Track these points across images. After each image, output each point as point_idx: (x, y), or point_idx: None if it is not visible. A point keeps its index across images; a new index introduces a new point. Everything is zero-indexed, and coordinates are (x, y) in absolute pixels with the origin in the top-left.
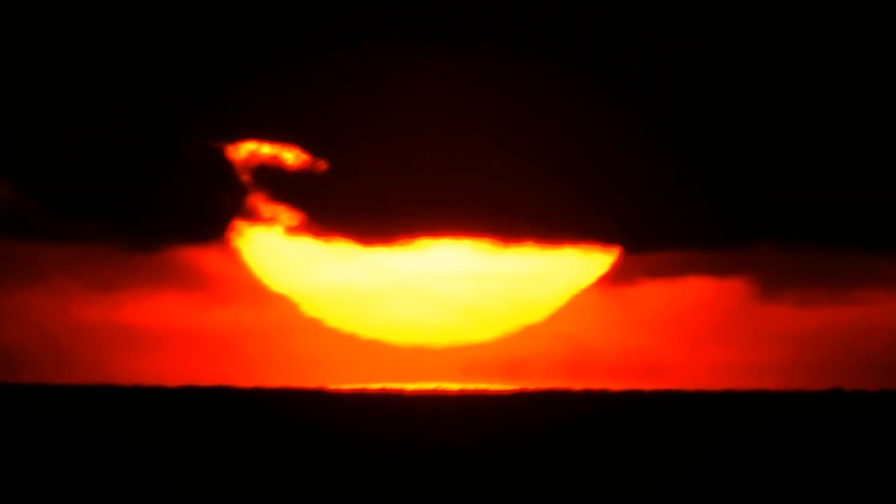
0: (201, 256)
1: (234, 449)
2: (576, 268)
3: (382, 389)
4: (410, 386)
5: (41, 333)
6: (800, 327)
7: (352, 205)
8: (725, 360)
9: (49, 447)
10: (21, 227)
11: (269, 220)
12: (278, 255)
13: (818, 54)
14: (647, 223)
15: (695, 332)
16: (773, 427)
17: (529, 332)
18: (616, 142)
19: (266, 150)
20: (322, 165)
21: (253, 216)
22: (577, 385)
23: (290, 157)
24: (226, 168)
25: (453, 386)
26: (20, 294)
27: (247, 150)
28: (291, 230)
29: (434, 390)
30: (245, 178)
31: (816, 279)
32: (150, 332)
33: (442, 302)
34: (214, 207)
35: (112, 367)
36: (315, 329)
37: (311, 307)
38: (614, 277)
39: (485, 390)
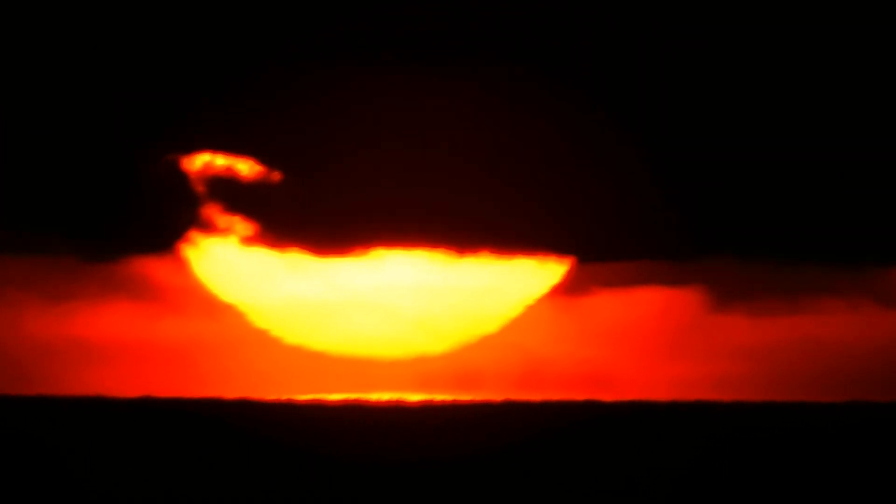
0: (154, 267)
1: (191, 460)
2: (529, 278)
3: (340, 401)
4: (365, 396)
5: None
6: (755, 339)
7: (306, 215)
8: (680, 372)
9: (1, 459)
10: None
11: (224, 231)
12: (232, 265)
13: (774, 61)
14: (601, 233)
15: (649, 343)
16: (729, 438)
17: (483, 343)
18: (571, 151)
19: (220, 160)
20: (276, 176)
21: (207, 227)
22: (532, 396)
23: (244, 167)
24: (179, 179)
25: (409, 397)
26: None
27: (201, 161)
28: (246, 241)
29: (389, 401)
30: (199, 188)
31: (772, 290)
32: (103, 343)
33: (395, 314)
34: (167, 218)
35: (65, 379)
36: (269, 341)
37: (265, 319)
38: (568, 288)
39: (441, 401)
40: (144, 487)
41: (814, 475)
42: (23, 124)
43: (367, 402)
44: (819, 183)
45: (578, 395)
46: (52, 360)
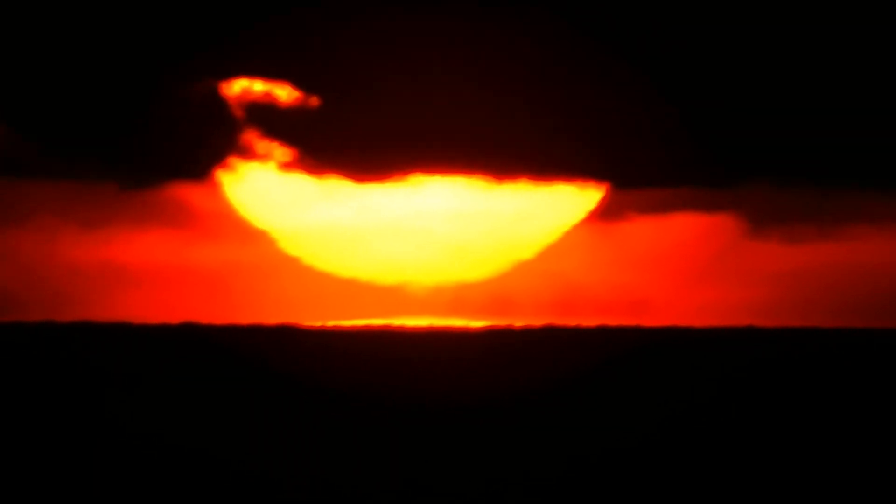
0: (192, 194)
1: (223, 387)
2: (565, 205)
3: (369, 326)
4: (401, 322)
5: (30, 272)
6: (788, 264)
7: (344, 141)
8: (714, 297)
9: (39, 387)
10: (8, 164)
11: (262, 157)
12: (269, 192)
13: None
14: (637, 160)
15: (683, 269)
16: (761, 364)
17: (519, 269)
18: (607, 79)
19: (258, 86)
20: (314, 102)
21: (245, 153)
22: (568, 322)
23: (283, 93)
24: (218, 105)
25: (443, 322)
26: (9, 233)
27: (239, 87)
28: (284, 167)
29: (424, 327)
30: (237, 114)
31: (805, 216)
32: (139, 269)
33: (433, 239)
34: (205, 144)
35: (100, 305)
36: (305, 267)
37: (301, 245)
38: (604, 214)
39: (477, 328)
40: (176, 413)
41: (844, 400)
42: (64, 50)
43: (402, 328)
44: (855, 109)
45: (614, 321)
46: (89, 286)
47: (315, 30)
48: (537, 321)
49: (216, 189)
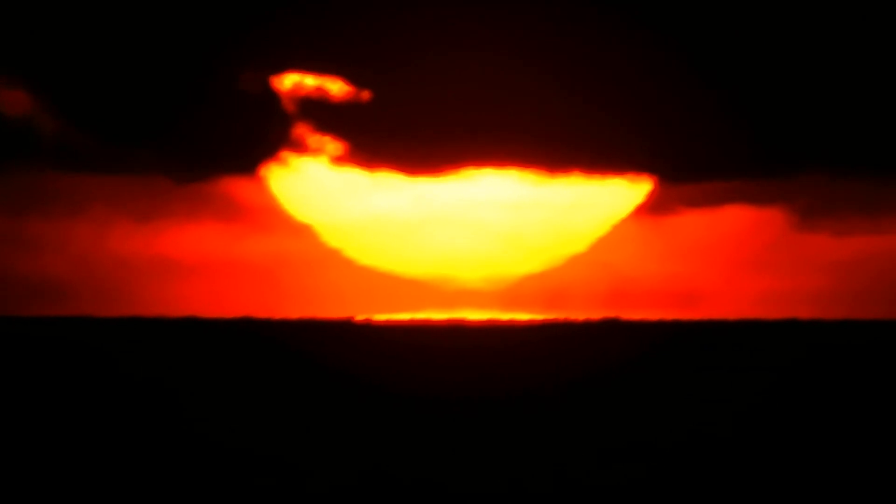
0: (243, 187)
1: (266, 380)
2: (618, 197)
3: (429, 320)
4: (452, 315)
5: (82, 264)
6: (839, 256)
7: (397, 135)
8: (765, 289)
9: (86, 378)
10: (61, 157)
11: (314, 151)
12: (322, 186)
13: None
14: (689, 153)
15: (734, 260)
16: (813, 355)
17: (572, 262)
18: (659, 73)
19: (310, 81)
20: (366, 95)
21: (297, 147)
22: (620, 314)
23: (335, 87)
24: (270, 99)
25: (497, 315)
26: (61, 225)
27: (291, 82)
28: (336, 160)
29: (479, 320)
30: (289, 109)
31: (856, 208)
32: (191, 262)
33: (485, 232)
34: (257, 139)
35: (150, 299)
36: (357, 260)
37: (354, 238)
38: (655, 207)
39: (529, 321)
40: (219, 404)
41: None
42: (118, 45)
43: (455, 321)
44: None
45: (666, 314)
46: (139, 279)
47: (367, 23)
48: (590, 313)
49: (267, 183)
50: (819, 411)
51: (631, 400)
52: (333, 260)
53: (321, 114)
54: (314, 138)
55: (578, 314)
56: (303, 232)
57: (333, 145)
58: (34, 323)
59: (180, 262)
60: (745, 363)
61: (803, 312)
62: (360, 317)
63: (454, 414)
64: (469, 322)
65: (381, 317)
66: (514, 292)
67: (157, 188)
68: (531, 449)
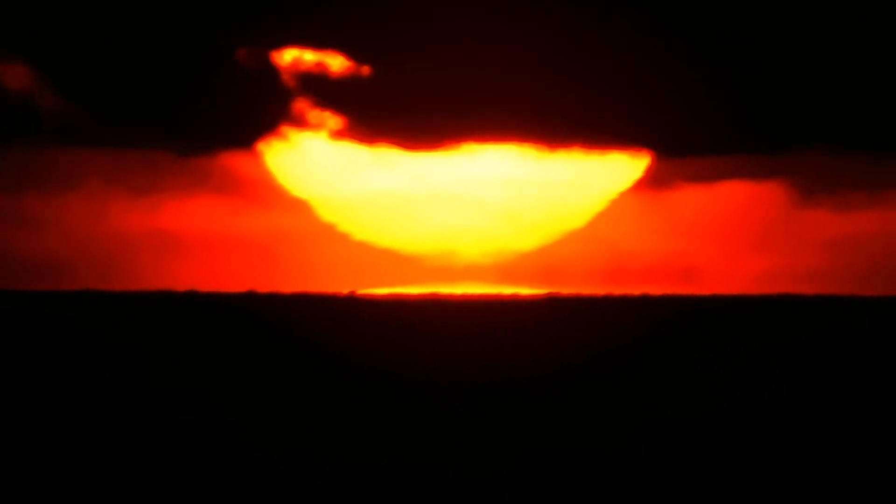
0: (243, 162)
1: (266, 357)
2: (616, 173)
3: (426, 294)
4: (449, 290)
5: (80, 239)
6: (839, 232)
7: (396, 110)
8: (764, 265)
9: (85, 352)
10: (58, 131)
11: (314, 126)
12: (321, 161)
13: None
14: (687, 128)
15: (733, 236)
16: (811, 332)
17: (570, 237)
18: (658, 48)
19: (309, 56)
20: (366, 71)
21: (297, 122)
22: (618, 290)
23: (334, 63)
24: (270, 74)
25: (495, 290)
26: (58, 200)
27: (291, 57)
28: (335, 135)
29: (473, 295)
30: (289, 84)
31: (855, 184)
32: (189, 237)
33: (483, 207)
34: (257, 113)
35: (149, 273)
36: (355, 235)
37: (353, 214)
38: (654, 182)
39: (527, 295)
40: (218, 379)
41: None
42: (116, 20)
43: (451, 296)
44: None
45: (665, 290)
46: (138, 254)
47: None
48: (588, 289)
49: (267, 158)
50: (818, 389)
51: (630, 376)
52: (332, 235)
53: (321, 89)
54: (314, 113)
55: (577, 290)
56: (302, 207)
57: (333, 120)
58: (34, 298)
59: (180, 236)
60: (743, 339)
61: (802, 289)
62: (359, 291)
63: (453, 391)
64: (468, 297)
65: (380, 291)
66: (512, 268)
67: (155, 162)
68: (532, 428)
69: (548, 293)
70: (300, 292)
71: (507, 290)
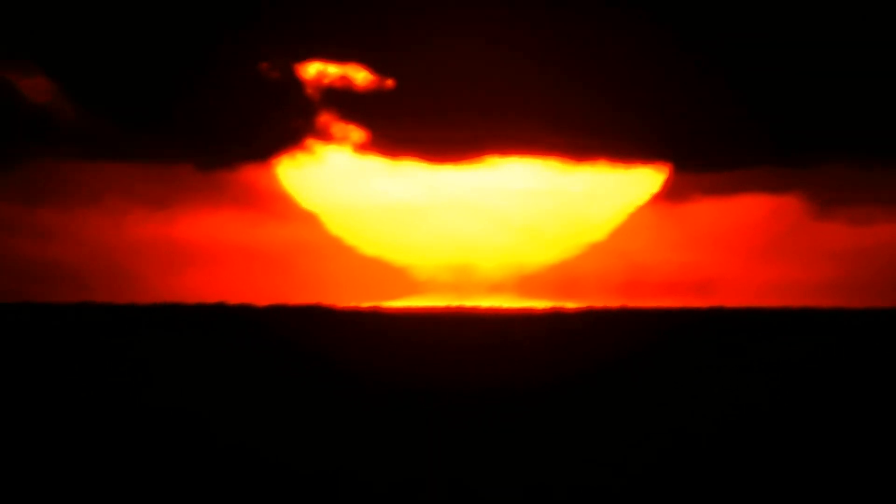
0: (263, 175)
1: (276, 369)
2: (633, 186)
3: (442, 307)
4: (468, 303)
5: (98, 252)
6: (856, 245)
7: (419, 123)
8: (781, 278)
9: (101, 364)
10: (79, 146)
11: (337, 139)
12: (343, 173)
13: None
14: (706, 142)
15: (751, 249)
16: (828, 345)
17: (588, 250)
18: (677, 61)
19: (333, 69)
20: (389, 84)
21: (320, 135)
22: (636, 303)
23: (357, 76)
24: (293, 87)
25: (513, 303)
26: (76, 213)
27: (314, 70)
28: (358, 148)
29: (492, 308)
30: (312, 97)
31: (873, 197)
32: (207, 251)
33: (504, 220)
34: (279, 127)
35: (163, 285)
36: (369, 248)
37: (373, 226)
38: (672, 195)
39: (544, 309)
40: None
41: None
42: (141, 30)
43: (470, 309)
44: None
45: (683, 303)
46: (154, 266)
47: (390, 12)
48: (606, 302)
49: (289, 172)
50: (834, 401)
51: (646, 389)
52: (350, 249)
53: (343, 102)
54: (337, 126)
55: (595, 302)
56: (321, 220)
57: (356, 133)
58: (52, 310)
59: (198, 250)
60: (760, 352)
61: (819, 301)
62: (378, 304)
63: (467, 404)
64: (487, 310)
65: (398, 304)
66: (531, 281)
67: (173, 176)
68: (544, 439)
69: (563, 306)
70: (318, 304)
71: (526, 303)
